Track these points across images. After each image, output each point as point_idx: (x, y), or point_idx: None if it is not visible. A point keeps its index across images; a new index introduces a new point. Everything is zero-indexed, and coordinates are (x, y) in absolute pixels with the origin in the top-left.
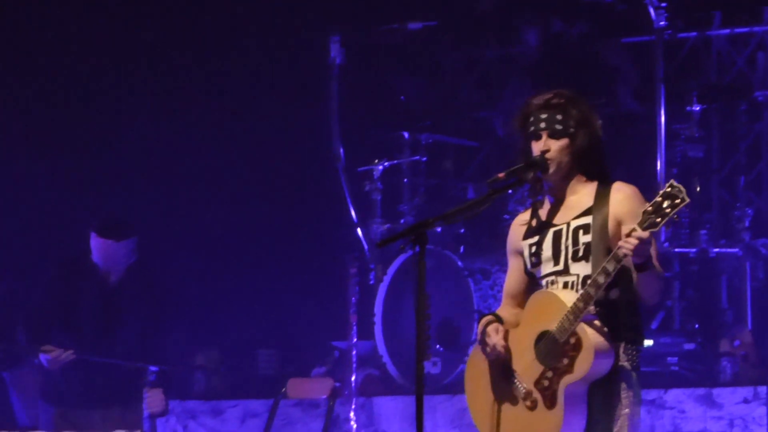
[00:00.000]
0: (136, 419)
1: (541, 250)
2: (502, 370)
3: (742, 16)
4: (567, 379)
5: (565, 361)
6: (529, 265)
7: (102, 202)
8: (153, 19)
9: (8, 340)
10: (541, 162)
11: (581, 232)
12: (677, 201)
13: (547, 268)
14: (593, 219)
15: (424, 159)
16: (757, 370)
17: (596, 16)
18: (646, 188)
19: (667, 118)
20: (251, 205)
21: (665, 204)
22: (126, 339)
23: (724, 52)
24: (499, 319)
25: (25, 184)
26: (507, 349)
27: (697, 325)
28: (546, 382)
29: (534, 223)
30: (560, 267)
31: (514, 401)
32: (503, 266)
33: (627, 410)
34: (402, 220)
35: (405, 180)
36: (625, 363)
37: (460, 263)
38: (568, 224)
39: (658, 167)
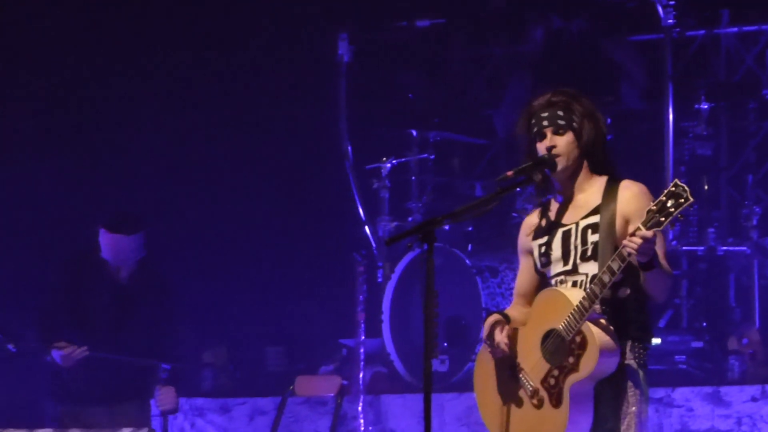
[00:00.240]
0: (145, 417)
1: (551, 250)
2: (509, 368)
3: (750, 13)
4: (573, 378)
5: (571, 359)
6: (539, 265)
7: (111, 199)
8: (161, 18)
9: (20, 338)
10: (549, 159)
11: (590, 231)
12: (681, 200)
13: (556, 268)
14: (601, 217)
15: (432, 157)
16: (765, 368)
17: (605, 14)
18: (655, 186)
19: (675, 116)
20: (259, 203)
21: (669, 203)
22: (137, 335)
23: (733, 50)
24: (505, 317)
25: (33, 183)
26: (511, 347)
27: (705, 323)
28: (552, 381)
29: (543, 223)
30: (569, 267)
31: (521, 399)
32: (511, 264)
33: (634, 408)
34: (410, 218)
35: (413, 178)
36: (631, 361)
37: (468, 261)
38: (577, 224)
39: (667, 165)
